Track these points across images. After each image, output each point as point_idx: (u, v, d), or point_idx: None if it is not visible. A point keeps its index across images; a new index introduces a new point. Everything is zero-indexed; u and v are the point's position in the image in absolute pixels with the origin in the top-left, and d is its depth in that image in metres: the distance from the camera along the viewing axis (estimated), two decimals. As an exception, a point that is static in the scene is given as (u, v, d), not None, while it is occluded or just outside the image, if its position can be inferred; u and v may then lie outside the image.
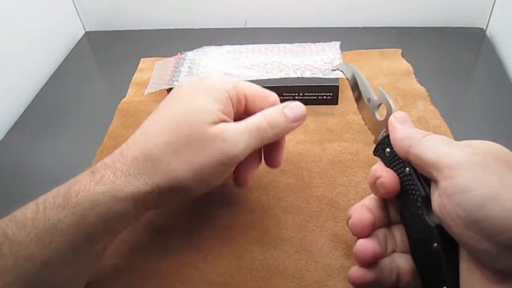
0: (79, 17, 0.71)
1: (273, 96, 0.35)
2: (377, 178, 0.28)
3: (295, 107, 0.34)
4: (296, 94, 0.50)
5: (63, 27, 0.69)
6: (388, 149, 0.30)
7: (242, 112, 0.35)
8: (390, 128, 0.29)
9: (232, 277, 0.34)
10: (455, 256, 0.25)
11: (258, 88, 0.35)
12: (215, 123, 0.30)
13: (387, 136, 0.30)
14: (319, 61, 0.52)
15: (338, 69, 0.39)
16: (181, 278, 0.35)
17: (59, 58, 0.65)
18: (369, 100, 0.34)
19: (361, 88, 0.35)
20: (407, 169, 0.28)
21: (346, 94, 0.51)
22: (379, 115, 0.33)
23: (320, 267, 0.35)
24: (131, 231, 0.39)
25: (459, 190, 0.22)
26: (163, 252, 0.36)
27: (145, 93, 0.52)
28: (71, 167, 0.47)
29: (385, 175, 0.28)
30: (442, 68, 0.56)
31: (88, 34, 0.71)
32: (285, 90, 0.50)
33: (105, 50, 0.67)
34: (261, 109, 0.34)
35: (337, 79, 0.49)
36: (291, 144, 0.46)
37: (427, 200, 0.26)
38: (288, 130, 0.34)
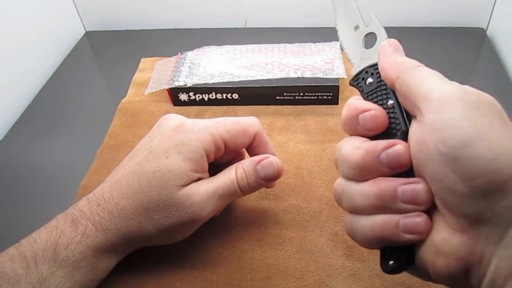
0: (80, 17, 0.71)
1: (253, 126, 0.35)
2: (363, 111, 0.25)
3: (268, 167, 0.34)
4: (296, 94, 0.50)
5: (63, 27, 0.69)
6: (370, 79, 0.27)
7: (221, 154, 0.35)
8: (381, 52, 0.27)
9: (232, 277, 0.34)
10: None
11: (236, 126, 0.34)
12: (186, 185, 0.32)
13: (373, 66, 0.28)
14: (319, 61, 0.52)
15: None
16: (181, 278, 0.34)
17: (59, 58, 0.65)
18: (356, 27, 0.31)
19: (347, 12, 0.32)
20: (390, 101, 0.26)
21: (346, 94, 0.51)
22: (364, 45, 0.30)
23: (321, 267, 0.35)
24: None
25: (447, 125, 0.21)
26: (163, 252, 0.36)
27: (145, 93, 0.52)
28: (71, 167, 0.47)
29: (376, 107, 0.25)
30: (443, 68, 0.55)
31: (88, 34, 0.71)
32: (285, 90, 0.50)
33: (105, 50, 0.67)
34: (242, 145, 0.35)
35: (337, 79, 0.49)
36: (292, 144, 0.46)
37: (405, 137, 0.25)
38: (258, 187, 0.34)
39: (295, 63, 0.51)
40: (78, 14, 0.71)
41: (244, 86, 0.50)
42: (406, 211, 0.23)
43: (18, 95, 0.57)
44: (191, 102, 0.52)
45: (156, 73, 0.55)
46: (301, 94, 0.50)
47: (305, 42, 0.56)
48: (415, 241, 0.23)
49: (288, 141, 0.46)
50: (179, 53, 0.56)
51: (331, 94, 0.49)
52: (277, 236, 0.37)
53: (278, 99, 0.51)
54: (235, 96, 0.51)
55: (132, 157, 0.34)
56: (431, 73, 0.24)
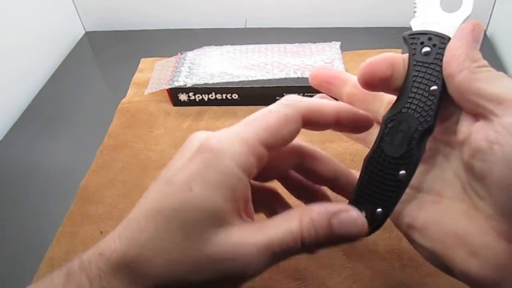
0: (79, 17, 0.71)
1: (296, 105, 0.26)
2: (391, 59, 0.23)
3: (349, 224, 0.23)
4: (296, 94, 0.50)
5: (63, 27, 0.69)
6: (428, 49, 0.23)
7: (264, 163, 0.25)
8: (459, 34, 0.23)
9: (232, 277, 0.34)
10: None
11: (273, 116, 0.25)
12: (223, 226, 0.22)
13: (442, 37, 0.23)
14: (319, 61, 0.52)
15: None
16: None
17: (59, 58, 0.65)
18: None
19: None
20: (434, 87, 0.23)
21: (346, 94, 0.51)
22: (441, 3, 0.26)
23: (321, 267, 0.35)
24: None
25: None
26: None
27: (145, 93, 0.52)
28: (71, 167, 0.47)
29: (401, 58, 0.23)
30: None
31: (88, 34, 0.71)
32: (286, 90, 0.50)
33: (105, 50, 0.67)
34: (290, 137, 0.25)
35: (337, 79, 0.49)
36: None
37: (427, 133, 0.23)
38: (326, 247, 0.23)
39: (295, 63, 0.51)
40: (78, 14, 0.71)
41: (244, 86, 0.50)
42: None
43: (18, 95, 0.57)
44: (191, 102, 0.52)
45: (156, 73, 0.55)
46: (301, 94, 0.50)
47: (305, 42, 0.56)
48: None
49: (288, 141, 0.46)
50: (179, 53, 0.56)
51: (331, 94, 0.49)
52: (277, 236, 0.37)
53: (278, 99, 0.50)
54: (235, 96, 0.51)
55: (147, 192, 0.25)
56: (500, 75, 0.22)
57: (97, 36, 0.71)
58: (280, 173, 0.28)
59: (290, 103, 0.25)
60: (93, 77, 0.62)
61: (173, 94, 0.51)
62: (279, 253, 0.22)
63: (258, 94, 0.50)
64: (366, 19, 0.64)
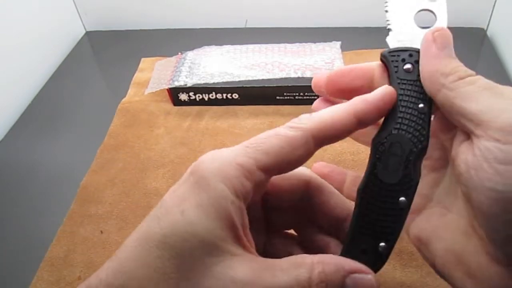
0: (80, 17, 0.71)
1: (304, 128, 0.21)
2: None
3: (364, 285, 0.21)
4: (297, 94, 0.50)
5: (63, 27, 0.69)
6: (409, 66, 0.22)
7: (264, 189, 0.24)
8: (422, 50, 0.22)
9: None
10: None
11: (277, 140, 0.21)
12: (218, 257, 0.19)
13: (418, 52, 0.22)
14: (319, 61, 0.52)
15: None
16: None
17: (60, 58, 0.65)
18: None
19: None
20: (421, 105, 0.22)
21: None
22: (414, 19, 0.24)
23: (321, 267, 0.34)
24: (131, 231, 0.39)
25: (511, 160, 0.18)
26: None
27: (146, 93, 0.52)
28: (71, 167, 0.47)
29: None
30: (443, 68, 0.56)
31: (88, 34, 0.71)
32: (286, 90, 0.50)
33: (105, 50, 0.67)
34: (296, 163, 0.22)
35: (338, 79, 0.49)
36: (292, 144, 0.46)
37: (422, 154, 0.22)
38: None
39: (295, 63, 0.51)
40: (78, 14, 0.71)
41: (244, 86, 0.50)
42: None
43: (18, 95, 0.57)
44: (191, 102, 0.52)
45: (156, 73, 0.55)
46: (301, 94, 0.50)
47: (305, 42, 0.56)
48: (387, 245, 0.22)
49: (288, 141, 0.46)
50: (179, 53, 0.56)
51: (331, 94, 0.49)
52: (277, 236, 0.37)
53: (278, 99, 0.51)
54: (235, 96, 0.51)
55: (145, 219, 0.22)
56: (481, 88, 0.20)
57: (97, 36, 0.71)
58: (286, 203, 0.25)
59: (298, 125, 0.21)
60: (93, 77, 0.62)
61: (174, 93, 0.51)
62: None
63: (259, 94, 0.50)
64: (366, 19, 0.64)
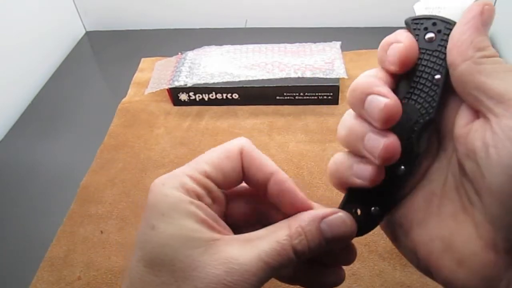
0: (80, 17, 0.71)
1: (234, 143, 0.24)
2: (393, 42, 0.21)
3: (338, 225, 0.23)
4: (297, 94, 0.50)
5: (63, 27, 0.69)
6: (431, 35, 0.21)
7: (219, 199, 0.24)
8: (465, 18, 0.20)
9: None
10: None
11: (215, 153, 0.24)
12: (202, 245, 0.21)
13: (446, 22, 0.21)
14: (319, 61, 0.52)
15: None
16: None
17: (60, 58, 0.65)
18: None
19: None
20: (438, 76, 0.21)
21: (346, 94, 0.51)
22: None
23: (321, 267, 0.34)
24: (131, 231, 0.39)
25: None
26: None
27: (146, 93, 0.52)
28: (71, 167, 0.47)
29: (406, 41, 0.21)
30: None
31: (88, 34, 0.71)
32: (286, 90, 0.50)
33: (105, 50, 0.67)
34: (234, 174, 0.24)
35: (338, 79, 0.49)
36: (292, 144, 0.46)
37: (428, 126, 0.21)
38: (318, 253, 0.23)
39: (295, 63, 0.51)
40: (78, 14, 0.71)
41: (244, 86, 0.50)
42: (369, 162, 0.21)
43: (18, 95, 0.57)
44: (191, 102, 0.52)
45: (156, 73, 0.55)
46: (301, 94, 0.50)
47: (305, 42, 0.56)
48: (364, 186, 0.22)
49: (288, 141, 0.46)
50: (179, 53, 0.56)
51: (331, 94, 0.49)
52: (277, 236, 0.37)
53: (278, 99, 0.51)
54: (235, 96, 0.51)
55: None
56: (507, 69, 0.19)
57: (97, 36, 0.71)
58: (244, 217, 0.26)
59: (235, 141, 0.24)
60: (93, 77, 0.62)
61: (174, 93, 0.51)
62: (274, 265, 0.21)
63: (258, 94, 0.50)
64: (366, 19, 0.64)
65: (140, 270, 0.21)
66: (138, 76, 0.58)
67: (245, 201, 0.26)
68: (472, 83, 0.19)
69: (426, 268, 0.22)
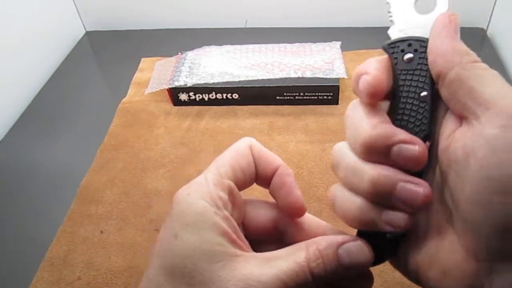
0: (80, 17, 0.71)
1: (243, 142, 0.25)
2: (362, 74, 0.21)
3: (356, 252, 0.23)
4: (297, 94, 0.50)
5: (63, 27, 0.69)
6: (410, 55, 0.22)
7: (240, 201, 0.25)
8: (435, 30, 0.21)
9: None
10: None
11: (230, 154, 0.25)
12: (223, 261, 0.21)
13: (420, 41, 0.22)
14: (319, 61, 0.52)
15: None
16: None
17: (60, 58, 0.65)
18: None
19: None
20: (424, 93, 0.22)
21: (346, 94, 0.51)
22: (415, 5, 0.24)
23: (321, 267, 0.34)
24: (131, 231, 0.39)
25: None
26: None
27: (146, 93, 0.52)
28: (71, 167, 0.47)
29: (374, 72, 0.21)
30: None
31: (88, 34, 0.71)
32: (286, 90, 0.50)
33: (105, 50, 0.67)
34: (250, 171, 0.25)
35: (338, 79, 0.49)
36: (292, 144, 0.46)
37: (426, 140, 0.22)
38: (334, 278, 0.23)
39: (295, 63, 0.51)
40: (78, 14, 0.71)
41: (244, 86, 0.50)
42: (396, 208, 0.21)
43: (18, 95, 0.57)
44: (191, 102, 0.52)
45: (156, 73, 0.55)
46: (301, 94, 0.50)
47: (305, 42, 0.56)
48: (391, 235, 0.22)
49: (288, 141, 0.46)
50: (179, 53, 0.56)
51: (331, 94, 0.49)
52: (277, 236, 0.37)
53: (278, 99, 0.51)
54: (235, 96, 0.51)
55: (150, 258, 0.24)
56: (495, 75, 0.19)
57: (97, 36, 0.71)
58: (263, 224, 0.27)
59: (242, 140, 0.26)
60: (93, 77, 0.62)
61: (174, 93, 0.51)
62: (291, 285, 0.21)
63: (258, 94, 0.50)
64: (366, 19, 0.64)
65: (159, 278, 0.21)
66: (138, 76, 0.58)
67: (260, 210, 0.26)
68: (462, 89, 0.19)
69: (415, 279, 0.22)
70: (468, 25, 0.63)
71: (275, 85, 0.49)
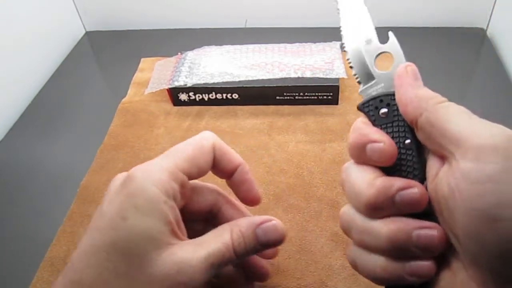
0: (80, 17, 0.71)
1: (207, 139, 0.28)
2: (371, 142, 0.23)
3: (271, 231, 0.26)
4: (296, 94, 0.50)
5: (63, 27, 0.69)
6: (384, 110, 0.24)
7: (189, 192, 0.28)
8: (398, 82, 0.23)
9: (232, 277, 0.34)
10: None
11: (190, 147, 0.27)
12: (162, 249, 0.23)
13: (389, 95, 0.24)
14: (319, 61, 0.52)
15: None
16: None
17: (59, 58, 0.65)
18: (368, 41, 0.26)
19: (357, 22, 0.28)
20: (408, 141, 0.23)
21: (346, 94, 0.51)
22: (376, 66, 0.26)
23: (321, 267, 0.35)
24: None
25: (486, 178, 0.18)
26: None
27: (146, 93, 0.52)
28: (71, 167, 0.47)
29: (385, 140, 0.23)
30: (442, 68, 0.56)
31: (88, 34, 0.71)
32: (286, 90, 0.50)
33: (105, 50, 0.67)
34: (207, 166, 0.28)
35: (338, 79, 0.49)
36: (292, 144, 0.46)
37: (421, 182, 0.23)
38: (253, 254, 0.28)
39: (295, 63, 0.51)
40: (78, 14, 0.71)
41: (244, 86, 0.50)
42: (417, 257, 0.21)
43: (18, 95, 0.57)
44: (191, 102, 0.52)
45: (156, 73, 0.55)
46: (301, 94, 0.50)
47: (305, 42, 0.56)
48: (419, 283, 0.22)
49: (288, 141, 0.46)
50: (179, 53, 0.56)
51: (331, 94, 0.49)
52: (277, 236, 0.37)
53: (278, 99, 0.51)
54: (235, 96, 0.51)
55: (86, 230, 0.25)
56: (460, 111, 0.21)
57: (97, 36, 0.71)
58: (203, 208, 0.30)
59: (207, 136, 0.28)
60: (93, 77, 0.62)
61: (173, 93, 0.51)
62: (217, 264, 0.24)
63: (258, 94, 0.50)
64: (366, 19, 0.64)
65: (101, 254, 0.23)
66: (138, 76, 0.58)
67: (200, 197, 0.29)
68: (434, 132, 0.21)
69: None
70: (468, 25, 0.63)
71: (275, 85, 0.49)
